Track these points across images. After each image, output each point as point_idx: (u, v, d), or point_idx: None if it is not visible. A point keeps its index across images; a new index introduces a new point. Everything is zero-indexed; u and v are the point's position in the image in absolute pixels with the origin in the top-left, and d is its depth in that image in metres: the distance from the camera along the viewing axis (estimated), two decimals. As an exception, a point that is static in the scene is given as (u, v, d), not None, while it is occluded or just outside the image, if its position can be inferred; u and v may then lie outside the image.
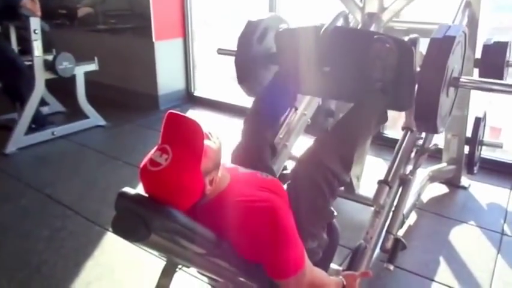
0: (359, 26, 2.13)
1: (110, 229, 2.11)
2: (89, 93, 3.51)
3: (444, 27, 1.55)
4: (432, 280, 1.80)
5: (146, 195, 0.99)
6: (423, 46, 1.63)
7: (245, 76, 1.99)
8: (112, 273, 1.82)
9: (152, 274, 1.72)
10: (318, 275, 1.23)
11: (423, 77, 1.53)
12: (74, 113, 3.56)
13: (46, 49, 3.21)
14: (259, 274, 1.15)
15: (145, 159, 1.00)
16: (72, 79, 3.35)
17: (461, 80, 1.62)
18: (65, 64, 3.21)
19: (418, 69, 1.60)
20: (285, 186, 1.40)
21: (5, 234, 2.09)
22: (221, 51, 2.26)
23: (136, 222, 0.92)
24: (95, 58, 3.44)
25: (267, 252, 1.10)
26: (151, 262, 1.82)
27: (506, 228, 2.18)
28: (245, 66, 1.98)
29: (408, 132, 1.79)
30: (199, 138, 1.00)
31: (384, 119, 1.66)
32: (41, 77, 3.20)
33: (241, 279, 1.25)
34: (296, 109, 2.05)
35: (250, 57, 1.96)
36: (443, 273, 1.85)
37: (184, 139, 0.99)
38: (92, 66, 3.45)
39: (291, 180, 1.42)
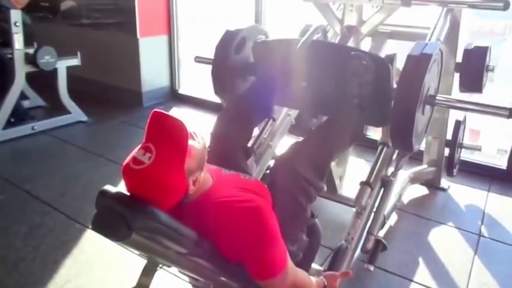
0: (338, 39, 2.13)
1: (91, 227, 2.08)
2: (71, 88, 3.46)
3: (421, 44, 1.56)
4: (411, 281, 1.83)
5: (128, 193, 0.98)
6: (400, 62, 1.65)
7: (221, 86, 1.98)
8: (91, 271, 1.80)
9: (132, 272, 1.70)
10: (300, 276, 1.23)
11: (399, 95, 1.53)
12: (56, 108, 3.49)
13: (27, 42, 3.14)
14: (241, 274, 1.15)
15: (128, 158, 0.99)
16: (53, 73, 3.30)
17: (437, 98, 1.64)
18: (46, 58, 3.16)
19: (395, 86, 1.62)
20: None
21: (-19, 230, 2.05)
22: (199, 60, 2.24)
23: (117, 221, 0.92)
24: (78, 53, 3.39)
25: (250, 252, 1.10)
26: (131, 261, 1.81)
27: (483, 230, 2.23)
28: (221, 78, 1.97)
29: (385, 148, 1.81)
30: (183, 137, 0.99)
31: (360, 135, 1.67)
32: (21, 70, 3.13)
33: (223, 278, 1.25)
34: (274, 120, 2.04)
35: (227, 67, 1.94)
36: (422, 273, 1.88)
37: (169, 138, 0.99)
38: (75, 61, 3.40)
39: (268, 187, 1.41)
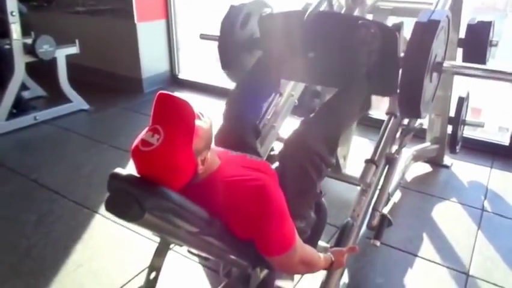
0: (343, 10, 2.12)
1: (99, 212, 2.12)
2: (71, 76, 3.45)
3: (428, 11, 1.55)
4: (416, 255, 1.86)
5: (139, 175, 0.99)
6: (407, 31, 1.65)
7: (228, 62, 1.98)
8: (102, 255, 1.83)
9: (142, 255, 1.75)
10: (309, 252, 1.26)
11: (407, 62, 1.54)
12: (56, 97, 3.49)
13: (25, 32, 3.12)
14: (251, 252, 1.17)
15: (137, 140, 1.00)
16: (52, 63, 3.28)
17: (444, 65, 1.64)
18: (45, 47, 3.14)
19: (402, 54, 1.62)
20: (273, 167, 1.42)
21: (-9, 219, 2.08)
22: (204, 37, 2.23)
23: (129, 202, 0.93)
24: (76, 41, 3.37)
25: (259, 230, 1.12)
26: (141, 243, 1.84)
27: (486, 205, 2.25)
28: (228, 52, 1.97)
29: (392, 118, 1.82)
30: (190, 117, 1.00)
31: (368, 105, 1.68)
32: (20, 60, 3.12)
33: (232, 256, 1.28)
34: (281, 94, 2.05)
35: (234, 42, 1.94)
36: (426, 248, 1.91)
37: (176, 119, 1.00)
38: (74, 49, 3.38)
39: (278, 163, 1.43)
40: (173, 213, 0.99)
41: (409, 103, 1.57)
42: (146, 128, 1.01)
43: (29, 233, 1.96)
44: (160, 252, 1.15)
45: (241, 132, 1.54)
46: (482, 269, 1.79)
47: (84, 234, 1.96)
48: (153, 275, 1.13)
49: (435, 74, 1.65)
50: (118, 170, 1.00)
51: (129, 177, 0.98)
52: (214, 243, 1.17)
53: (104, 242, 1.91)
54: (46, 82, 3.64)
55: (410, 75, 1.52)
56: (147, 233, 1.81)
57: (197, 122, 1.02)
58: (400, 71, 1.57)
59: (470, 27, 2.08)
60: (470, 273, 1.76)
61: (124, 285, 1.64)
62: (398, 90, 1.58)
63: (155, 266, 1.14)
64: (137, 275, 1.68)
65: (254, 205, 1.09)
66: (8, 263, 1.77)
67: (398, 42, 1.58)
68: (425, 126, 2.58)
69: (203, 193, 1.11)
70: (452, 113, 2.52)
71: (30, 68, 3.27)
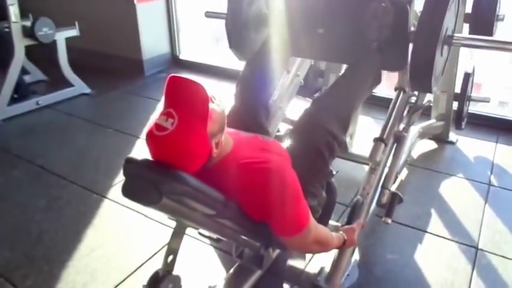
0: None
1: (108, 197, 2.12)
2: (71, 60, 3.41)
3: None
4: (425, 231, 1.88)
5: (154, 160, 0.99)
6: (417, 5, 1.62)
7: (236, 40, 1.95)
8: (114, 239, 1.84)
9: (152, 238, 1.77)
10: (322, 231, 1.27)
11: (419, 36, 1.52)
12: (57, 81, 3.46)
13: (22, 14, 3.06)
14: (264, 232, 1.18)
15: (151, 124, 0.99)
16: (51, 46, 3.24)
17: (454, 37, 1.62)
18: (45, 30, 3.09)
19: (412, 28, 1.60)
20: (284, 147, 1.42)
21: (1, 206, 2.08)
22: (209, 14, 2.19)
23: (147, 187, 0.93)
24: (76, 23, 3.32)
25: (274, 211, 1.12)
26: (151, 227, 1.85)
27: (493, 179, 2.26)
28: (236, 30, 1.94)
29: (401, 93, 1.81)
30: (204, 101, 0.99)
31: (379, 79, 1.67)
32: (20, 43, 3.07)
33: (246, 238, 1.29)
34: (288, 72, 2.04)
35: (241, 20, 1.91)
36: (435, 224, 1.93)
37: (189, 102, 0.99)
38: (74, 32, 3.33)
39: (290, 143, 1.43)
40: (190, 197, 0.99)
41: (420, 77, 1.56)
42: (160, 112, 1.00)
43: (39, 218, 1.97)
44: (177, 235, 1.15)
45: (255, 113, 1.54)
46: (490, 242, 1.81)
47: (94, 219, 1.97)
48: (170, 258, 1.13)
49: (446, 47, 1.63)
50: (133, 155, 0.99)
51: (145, 162, 0.97)
52: (229, 225, 1.17)
53: (115, 227, 1.92)
54: (46, 66, 3.60)
55: (421, 49, 1.51)
56: (157, 216, 1.83)
57: (211, 105, 1.01)
58: (411, 45, 1.55)
59: (477, 2, 2.05)
60: (479, 246, 1.78)
61: (138, 268, 1.66)
62: (409, 65, 1.57)
63: (172, 249, 1.15)
64: (150, 258, 1.69)
65: (269, 187, 1.09)
66: (21, 249, 1.78)
67: (409, 16, 1.56)
68: (431, 103, 2.56)
69: (217, 176, 1.11)
70: (457, 89, 2.50)
71: (29, 52, 3.22)
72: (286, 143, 1.46)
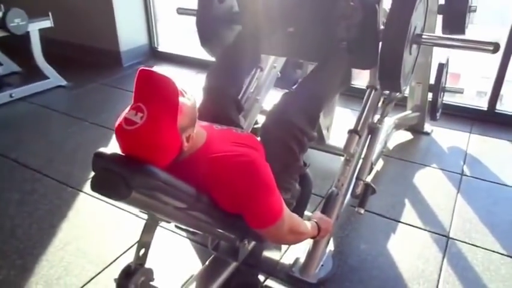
0: None
1: (84, 190, 2.10)
2: (46, 51, 3.34)
3: None
4: (399, 221, 1.92)
5: (123, 154, 0.98)
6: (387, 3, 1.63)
7: (208, 37, 1.94)
8: (90, 232, 1.83)
9: (129, 232, 1.76)
10: (296, 222, 1.28)
11: (386, 34, 1.54)
12: (32, 73, 3.38)
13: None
14: (238, 225, 1.19)
15: (120, 118, 0.98)
16: (25, 37, 3.16)
17: (423, 36, 1.64)
18: (17, 21, 3.01)
19: (382, 27, 1.61)
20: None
21: (-28, 201, 2.04)
22: (181, 11, 2.17)
23: (116, 181, 0.92)
24: (50, 14, 3.24)
25: (247, 204, 1.13)
26: (127, 220, 1.84)
27: (465, 169, 2.32)
28: (207, 27, 1.92)
29: (373, 91, 1.82)
30: (173, 95, 0.99)
31: (349, 78, 1.68)
32: (-9, 35, 2.99)
33: (220, 230, 1.30)
34: (262, 69, 2.03)
35: (212, 17, 1.90)
36: (408, 214, 1.97)
37: (159, 96, 0.98)
38: (47, 23, 3.26)
39: (261, 139, 1.43)
40: (160, 191, 0.98)
41: (389, 76, 1.58)
42: (129, 106, 0.99)
43: (12, 213, 1.94)
44: (149, 228, 1.15)
45: (223, 105, 1.53)
46: (461, 231, 1.86)
47: (69, 213, 1.95)
48: (142, 251, 1.13)
49: (414, 46, 1.65)
50: (103, 149, 0.98)
51: (114, 156, 0.97)
52: (202, 218, 1.18)
53: (90, 220, 1.90)
54: (20, 57, 3.51)
55: (389, 47, 1.52)
56: (133, 210, 1.82)
57: (181, 99, 1.00)
58: (380, 44, 1.57)
59: (450, -6, 2.08)
60: (451, 235, 1.83)
61: (113, 261, 1.65)
62: (378, 64, 1.58)
63: (144, 242, 1.15)
64: (125, 252, 1.69)
65: (242, 180, 1.10)
66: (-7, 244, 1.76)
67: (378, 15, 1.57)
68: (406, 94, 2.60)
69: (190, 169, 1.10)
70: (432, 81, 2.55)
71: (1, 43, 3.14)
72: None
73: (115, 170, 0.94)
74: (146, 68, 1.00)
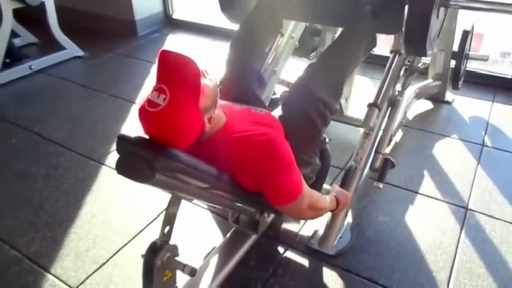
0: None
1: (106, 163, 2.15)
2: (62, 21, 3.32)
3: None
4: (417, 193, 1.92)
5: (147, 136, 1.00)
6: None
7: (228, 3, 1.91)
8: (114, 205, 1.89)
9: (151, 204, 1.81)
10: (316, 198, 1.30)
11: None
12: (49, 44, 3.38)
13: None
14: (258, 200, 1.21)
15: (143, 100, 0.99)
16: (41, 7, 3.14)
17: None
18: (32, -8, 2.99)
19: None
20: (277, 115, 1.43)
21: (1, 175, 2.11)
22: None
23: (140, 164, 0.94)
24: (64, -17, 3.21)
25: (268, 182, 1.15)
26: (150, 193, 1.87)
27: (486, 140, 2.29)
28: None
29: (397, 56, 1.78)
30: (196, 76, 0.99)
31: (374, 43, 1.64)
32: (7, 7, 2.98)
33: (241, 205, 1.33)
34: (282, 35, 2.00)
35: None
36: (427, 185, 1.97)
37: (181, 78, 0.98)
38: (62, -8, 3.23)
39: (282, 111, 1.43)
40: (183, 172, 1.01)
41: (415, 41, 1.55)
42: (152, 87, 0.99)
43: (40, 186, 2.01)
44: (173, 207, 1.18)
45: (248, 82, 1.53)
46: (480, 202, 1.85)
47: (93, 186, 2.00)
48: (167, 228, 1.17)
49: (442, 9, 1.60)
50: (125, 132, 1.00)
51: (137, 139, 0.99)
52: (223, 196, 1.21)
53: (114, 193, 1.96)
54: (37, 28, 3.50)
55: (417, 10, 1.48)
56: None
57: (202, 81, 1.01)
58: (406, 7, 1.52)
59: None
60: (469, 207, 1.83)
61: (138, 233, 1.71)
62: (404, 27, 1.54)
63: (168, 220, 1.18)
64: (149, 224, 1.75)
65: (262, 159, 1.12)
66: (23, 217, 1.83)
67: None
68: (428, 61, 2.53)
69: (211, 150, 1.12)
70: (455, 47, 2.47)
71: (18, 14, 3.14)
72: (280, 110, 1.47)
73: (138, 153, 0.96)
74: (168, 50, 1.00)
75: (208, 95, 1.02)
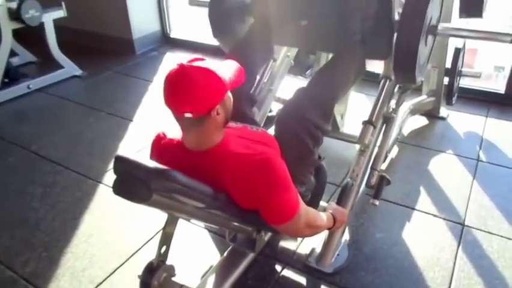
0: None
1: (103, 182, 2.15)
2: (60, 40, 3.36)
3: None
4: (414, 209, 1.93)
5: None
6: None
7: (220, 29, 1.94)
8: (111, 224, 1.89)
9: (149, 222, 1.81)
10: (312, 216, 1.31)
11: (402, 26, 1.51)
12: (47, 63, 3.42)
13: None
14: (255, 219, 1.21)
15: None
16: (40, 27, 3.18)
17: (439, 27, 1.62)
18: (31, 12, 3.03)
19: (397, 17, 1.59)
20: (273, 133, 1.44)
21: (-3, 193, 2.11)
22: (193, 2, 2.17)
23: (136, 185, 0.96)
24: (63, 3, 3.25)
25: (265, 201, 1.15)
26: (147, 211, 1.86)
27: (481, 155, 2.30)
28: (219, 19, 1.92)
29: (387, 81, 1.81)
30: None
31: (363, 70, 1.67)
32: (7, 27, 3.03)
33: (237, 224, 1.33)
34: (275, 60, 2.03)
35: (224, 9, 1.89)
36: (423, 201, 1.98)
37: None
38: (60, 13, 3.27)
39: (276, 133, 1.45)
40: (180, 193, 1.02)
41: (404, 68, 1.57)
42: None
43: (36, 205, 2.00)
44: (169, 227, 1.19)
45: (237, 103, 1.54)
46: (476, 218, 1.86)
47: (91, 205, 2.00)
48: (164, 248, 1.17)
49: (430, 37, 1.63)
50: (122, 153, 1.01)
51: (134, 160, 1.00)
52: (220, 215, 1.21)
53: (111, 212, 1.95)
54: (35, 47, 3.55)
55: (405, 39, 1.51)
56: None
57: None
58: (395, 35, 1.55)
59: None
60: (466, 223, 1.84)
61: (135, 252, 1.71)
62: (393, 55, 1.57)
63: (165, 240, 1.19)
64: (146, 243, 1.74)
65: (259, 179, 1.12)
66: (19, 236, 1.82)
67: (393, 6, 1.55)
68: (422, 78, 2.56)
69: (207, 164, 1.13)
70: (448, 64, 2.50)
71: (17, 34, 3.18)
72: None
73: (135, 174, 0.97)
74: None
75: (226, 101, 1.11)
